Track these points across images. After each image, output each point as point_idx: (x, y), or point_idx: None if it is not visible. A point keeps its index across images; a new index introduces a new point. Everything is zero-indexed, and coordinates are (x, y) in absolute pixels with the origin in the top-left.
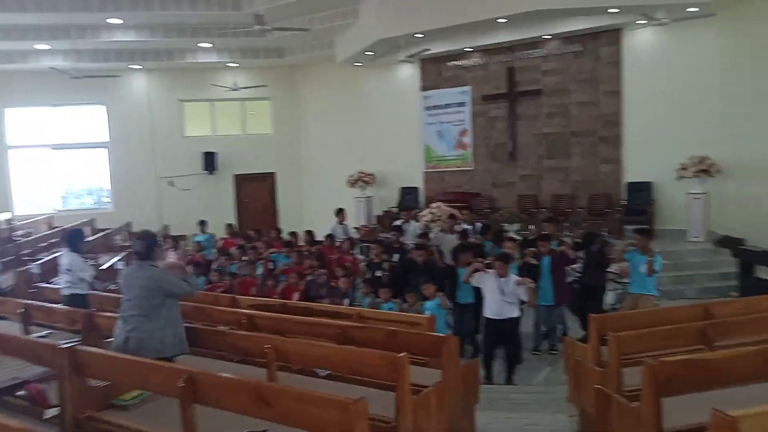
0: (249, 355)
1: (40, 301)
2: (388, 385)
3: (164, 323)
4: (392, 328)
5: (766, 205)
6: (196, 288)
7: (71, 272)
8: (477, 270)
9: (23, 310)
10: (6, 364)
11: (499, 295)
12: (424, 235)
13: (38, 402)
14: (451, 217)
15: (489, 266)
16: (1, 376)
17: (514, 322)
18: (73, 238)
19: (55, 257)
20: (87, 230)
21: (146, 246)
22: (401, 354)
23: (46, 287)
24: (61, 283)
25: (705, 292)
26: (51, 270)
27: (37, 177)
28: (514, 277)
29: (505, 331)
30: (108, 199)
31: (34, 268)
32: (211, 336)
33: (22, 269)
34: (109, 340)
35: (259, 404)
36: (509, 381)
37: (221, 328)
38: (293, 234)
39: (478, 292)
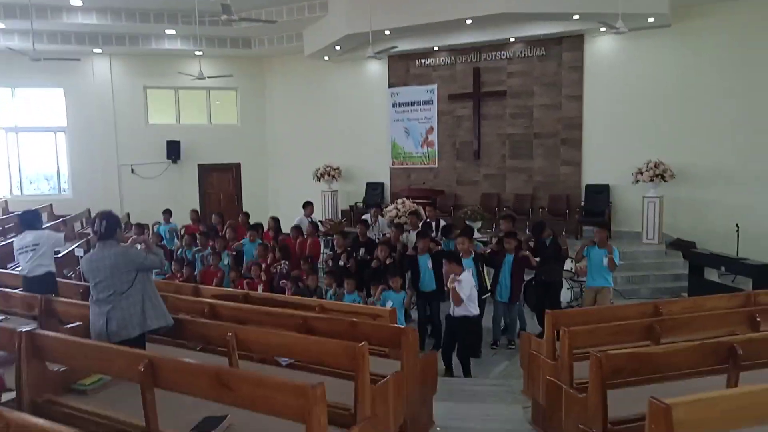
0: (210, 343)
1: None
2: (349, 375)
3: (141, 297)
4: (354, 319)
5: (715, 210)
6: (163, 260)
7: (39, 248)
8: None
9: None
10: None
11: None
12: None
13: None
14: (414, 213)
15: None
16: None
17: (469, 320)
18: (31, 219)
19: (10, 242)
20: (44, 216)
21: (108, 226)
22: (361, 343)
23: (2, 272)
24: (26, 265)
25: (658, 292)
26: (7, 255)
27: None
28: (464, 276)
29: (458, 328)
30: (66, 185)
31: None
32: (173, 323)
33: None
34: (70, 325)
35: (220, 389)
36: (466, 374)
37: (183, 316)
38: (259, 226)
39: (440, 281)
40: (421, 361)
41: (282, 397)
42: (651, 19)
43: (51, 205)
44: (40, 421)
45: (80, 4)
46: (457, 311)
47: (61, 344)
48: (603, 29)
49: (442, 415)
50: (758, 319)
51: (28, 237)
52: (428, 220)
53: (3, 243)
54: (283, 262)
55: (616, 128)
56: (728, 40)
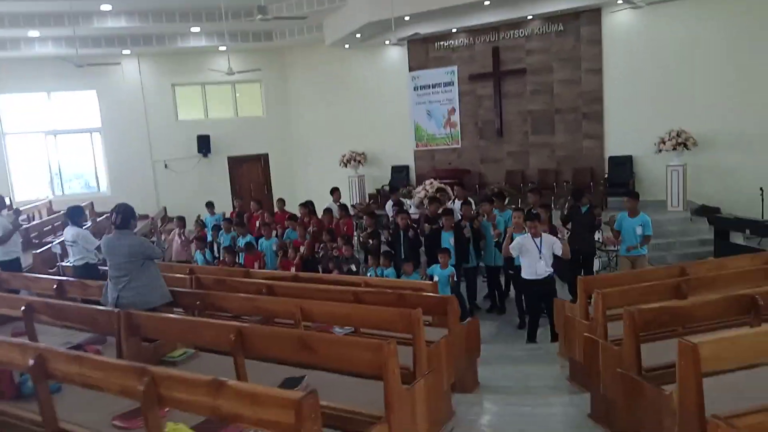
0: (276, 317)
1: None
2: (403, 342)
3: (147, 281)
4: (401, 291)
5: (740, 175)
6: (162, 251)
7: (77, 244)
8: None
9: (57, 286)
10: (51, 333)
11: (538, 255)
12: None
13: None
14: (440, 190)
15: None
16: (53, 341)
17: (553, 278)
18: (73, 214)
19: (61, 240)
20: (86, 213)
21: (123, 218)
22: (416, 309)
23: (66, 266)
24: (70, 257)
25: (684, 258)
26: (63, 250)
27: (32, 163)
28: (547, 236)
29: (547, 290)
30: (104, 183)
31: (54, 247)
32: (240, 301)
33: (40, 250)
34: None
35: (303, 350)
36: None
37: (244, 295)
38: (305, 205)
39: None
40: (466, 327)
41: (360, 353)
42: None
43: (92, 203)
44: (176, 372)
45: (110, 8)
46: (541, 273)
47: (157, 321)
48: (620, 1)
49: (487, 377)
50: None
51: (69, 232)
52: (456, 199)
53: (54, 241)
54: (332, 244)
55: (637, 99)
56: (745, 5)
